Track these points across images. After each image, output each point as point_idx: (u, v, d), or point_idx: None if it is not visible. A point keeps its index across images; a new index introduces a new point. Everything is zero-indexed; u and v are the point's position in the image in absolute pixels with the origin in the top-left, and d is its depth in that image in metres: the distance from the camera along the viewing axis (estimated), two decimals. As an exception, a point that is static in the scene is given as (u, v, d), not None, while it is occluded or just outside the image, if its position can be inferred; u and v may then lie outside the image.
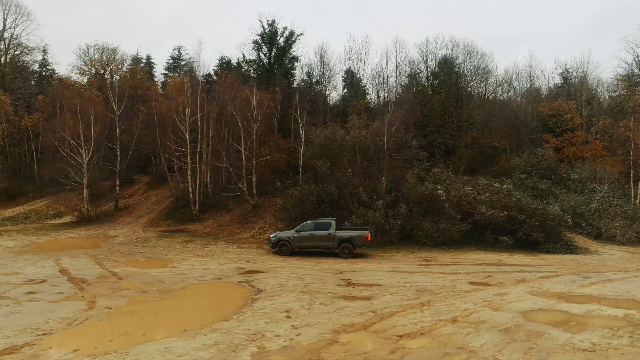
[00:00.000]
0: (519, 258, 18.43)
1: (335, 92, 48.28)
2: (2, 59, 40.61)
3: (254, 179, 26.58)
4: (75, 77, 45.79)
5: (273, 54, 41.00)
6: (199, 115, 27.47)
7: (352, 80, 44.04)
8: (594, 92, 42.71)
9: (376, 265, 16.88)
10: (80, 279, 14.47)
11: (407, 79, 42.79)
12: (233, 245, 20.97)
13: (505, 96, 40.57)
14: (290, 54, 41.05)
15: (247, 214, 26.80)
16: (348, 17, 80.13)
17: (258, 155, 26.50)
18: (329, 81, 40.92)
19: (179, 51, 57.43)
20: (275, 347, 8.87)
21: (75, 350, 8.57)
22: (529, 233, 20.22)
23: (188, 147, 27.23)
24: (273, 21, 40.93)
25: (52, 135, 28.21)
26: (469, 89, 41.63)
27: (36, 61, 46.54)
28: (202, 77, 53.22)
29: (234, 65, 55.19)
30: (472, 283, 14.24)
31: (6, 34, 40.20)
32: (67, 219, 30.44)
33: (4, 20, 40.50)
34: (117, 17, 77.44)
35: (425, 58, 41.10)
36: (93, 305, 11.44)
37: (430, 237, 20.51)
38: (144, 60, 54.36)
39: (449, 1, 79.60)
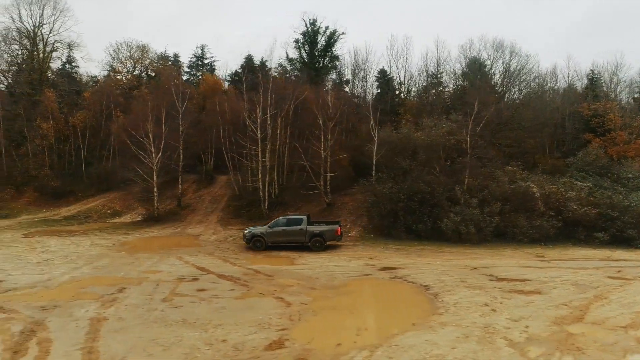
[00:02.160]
0: (624, 254, 18.99)
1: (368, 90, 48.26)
2: (41, 55, 39.50)
3: (328, 177, 26.62)
4: (104, 74, 45.01)
5: (315, 52, 41.05)
6: (268, 114, 27.35)
7: (385, 79, 44.34)
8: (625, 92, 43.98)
9: (499, 261, 17.19)
10: (229, 276, 14.41)
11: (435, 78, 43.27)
12: (336, 243, 21.06)
13: (546, 97, 41.33)
14: (332, 52, 41.17)
15: (321, 212, 26.81)
16: (380, 18, 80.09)
17: (333, 154, 26.55)
18: (364, 80, 41.02)
19: (202, 50, 56.77)
20: (521, 339, 9.12)
21: (338, 345, 8.67)
22: (623, 229, 20.82)
23: (259, 145, 27.11)
24: (314, 20, 41.02)
25: (124, 134, 27.66)
26: (503, 88, 42.33)
27: (58, 57, 45.32)
28: (228, 75, 53.14)
29: (257, 65, 55.18)
30: (611, 277, 14.67)
31: (45, 29, 39.18)
32: (127, 217, 29.99)
33: (40, 16, 39.46)
34: (111, 16, 76.17)
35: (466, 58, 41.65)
36: (288, 302, 11.46)
37: (527, 234, 20.93)
38: (171, 58, 53.69)
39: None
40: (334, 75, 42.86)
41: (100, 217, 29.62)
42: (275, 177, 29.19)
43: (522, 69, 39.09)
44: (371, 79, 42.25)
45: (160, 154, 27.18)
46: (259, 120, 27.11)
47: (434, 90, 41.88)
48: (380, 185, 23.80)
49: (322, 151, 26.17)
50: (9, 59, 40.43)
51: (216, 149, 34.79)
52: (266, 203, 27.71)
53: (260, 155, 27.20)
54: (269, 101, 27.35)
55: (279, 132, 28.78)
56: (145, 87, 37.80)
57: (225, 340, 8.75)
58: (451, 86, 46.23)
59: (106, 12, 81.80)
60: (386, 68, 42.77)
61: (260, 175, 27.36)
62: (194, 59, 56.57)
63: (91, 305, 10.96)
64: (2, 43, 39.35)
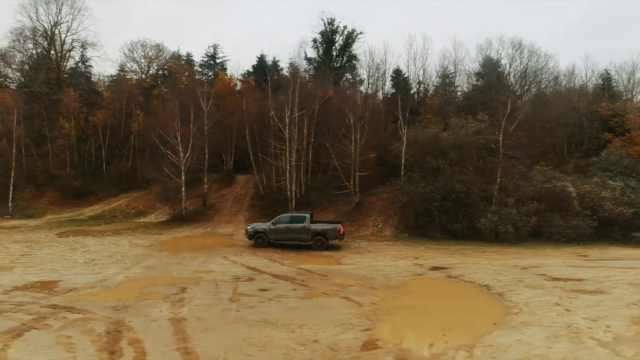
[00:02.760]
0: (665, 253, 19.05)
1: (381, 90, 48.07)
2: (58, 55, 39.31)
3: (357, 177, 26.57)
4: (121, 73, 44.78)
5: (332, 52, 41.00)
6: (296, 114, 27.30)
7: (400, 79, 44.29)
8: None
9: (545, 260, 17.14)
10: (284, 276, 14.33)
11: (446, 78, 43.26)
12: (373, 242, 21.04)
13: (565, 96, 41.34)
14: (350, 52, 41.12)
15: (350, 211, 26.75)
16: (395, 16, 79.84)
17: (362, 153, 26.49)
18: (381, 80, 40.96)
19: (214, 49, 56.50)
20: (608, 339, 9.09)
21: (431, 345, 8.62)
22: (661, 229, 20.91)
23: (287, 145, 27.05)
24: (332, 20, 40.98)
25: (152, 134, 27.54)
26: (520, 88, 42.31)
27: (72, 57, 44.97)
28: (241, 74, 52.96)
29: (271, 64, 54.96)
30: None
31: (62, 28, 38.99)
32: (152, 217, 29.87)
33: (57, 15, 39.28)
34: (110, 17, 75.84)
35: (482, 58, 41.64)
36: (359, 302, 11.40)
37: (563, 234, 20.93)
38: (184, 58, 53.51)
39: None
40: (348, 75, 42.89)
41: (125, 217, 29.51)
42: (302, 177, 29.14)
43: (542, 68, 39.11)
44: (383, 78, 42.25)
45: (188, 153, 27.06)
46: (287, 119, 27.04)
47: (450, 89, 41.96)
48: (413, 185, 23.77)
49: (352, 151, 26.08)
50: (22, 58, 40.23)
51: (235, 148, 34.81)
52: (293, 202, 27.63)
53: (288, 155, 27.13)
54: (296, 100, 27.33)
55: (305, 131, 28.73)
56: (165, 86, 37.59)
57: (317, 341, 8.67)
58: (465, 86, 46.34)
59: (105, 12, 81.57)
60: (404, 67, 42.84)
61: (288, 175, 27.29)
62: (205, 58, 56.43)
63: (162, 306, 10.86)
64: (16, 42, 39.19)
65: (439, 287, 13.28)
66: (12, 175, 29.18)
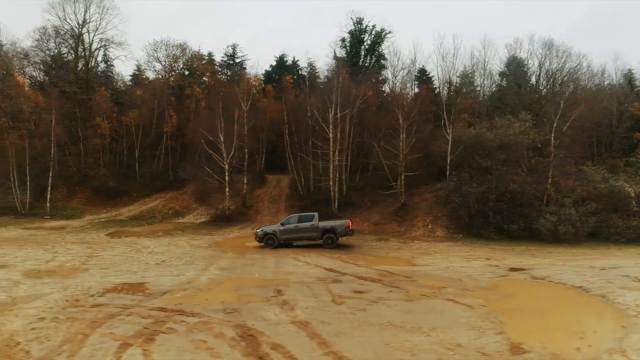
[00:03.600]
0: None
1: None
2: (87, 54, 39.01)
3: (402, 177, 26.37)
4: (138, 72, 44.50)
5: (360, 52, 40.80)
6: (338, 113, 27.09)
7: (425, 78, 44.14)
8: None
9: (619, 261, 16.92)
10: (369, 277, 14.09)
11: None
12: (433, 243, 20.84)
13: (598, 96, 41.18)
14: (379, 51, 40.91)
15: (395, 212, 26.57)
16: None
17: (408, 153, 26.32)
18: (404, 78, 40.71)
19: (233, 49, 56.22)
20: None
21: (577, 349, 8.40)
22: None
23: (331, 145, 26.85)
24: (360, 19, 40.78)
25: (198, 134, 27.30)
26: (549, 87, 42.12)
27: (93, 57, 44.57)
28: (263, 74, 52.78)
29: (290, 64, 54.95)
30: None
31: (90, 27, 38.68)
32: (190, 218, 29.68)
33: (85, 13, 38.96)
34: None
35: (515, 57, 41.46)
36: (468, 305, 11.19)
37: (623, 234, 20.77)
38: (205, 57, 53.25)
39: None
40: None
41: (164, 218, 29.29)
42: (344, 177, 28.95)
43: (576, 67, 38.91)
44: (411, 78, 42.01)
45: (232, 153, 26.84)
46: (331, 119, 26.83)
47: (476, 89, 41.82)
48: (464, 185, 23.57)
49: (400, 151, 25.86)
50: (46, 58, 39.77)
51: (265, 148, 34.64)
52: (336, 203, 27.44)
53: (332, 154, 26.92)
54: (339, 100, 27.12)
55: (347, 131, 28.53)
56: (197, 85, 37.32)
57: (461, 345, 8.43)
58: (492, 85, 46.22)
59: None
60: (432, 67, 42.66)
61: (331, 175, 27.09)
62: (225, 58, 56.16)
63: (271, 308, 10.63)
64: (39, 41, 38.74)
65: (533, 289, 13.05)
66: (50, 175, 28.86)
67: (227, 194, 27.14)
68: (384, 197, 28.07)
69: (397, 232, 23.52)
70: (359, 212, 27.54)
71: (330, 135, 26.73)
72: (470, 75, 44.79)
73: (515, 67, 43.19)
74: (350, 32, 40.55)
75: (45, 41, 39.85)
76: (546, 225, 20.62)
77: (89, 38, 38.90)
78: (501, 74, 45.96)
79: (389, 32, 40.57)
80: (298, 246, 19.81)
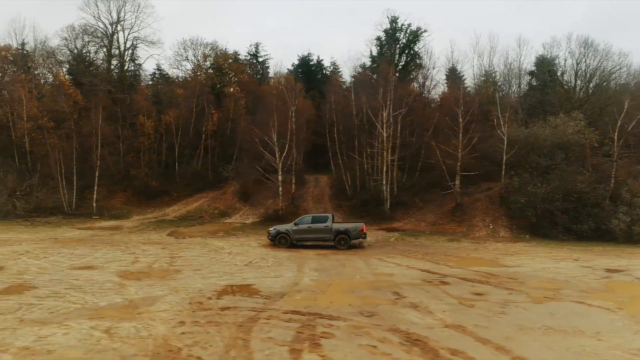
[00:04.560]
0: None
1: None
2: (121, 52, 38.66)
3: (458, 177, 26.03)
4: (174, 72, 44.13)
5: (396, 51, 40.48)
6: (391, 112, 26.78)
7: (455, 77, 43.80)
8: None
9: None
10: (475, 279, 13.77)
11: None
12: (506, 244, 20.54)
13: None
14: (414, 50, 40.57)
15: (450, 212, 26.20)
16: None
17: (467, 152, 25.98)
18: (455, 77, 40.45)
19: (256, 48, 55.84)
20: None
21: None
22: None
23: (384, 144, 26.53)
24: (395, 18, 40.42)
25: (250, 133, 27.00)
26: (585, 86, 41.74)
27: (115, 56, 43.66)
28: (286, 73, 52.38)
29: (315, 63, 54.62)
30: None
31: (125, 26, 38.34)
32: (236, 218, 29.36)
33: (118, 12, 38.63)
34: None
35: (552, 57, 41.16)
36: (605, 308, 10.87)
37: (698, 235, 20.48)
38: (232, 56, 52.87)
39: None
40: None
41: (212, 218, 28.96)
42: (395, 176, 28.64)
43: (617, 66, 38.57)
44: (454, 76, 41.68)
45: (285, 152, 26.52)
46: (384, 118, 26.51)
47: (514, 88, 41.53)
48: (527, 185, 23.26)
49: (459, 150, 25.52)
50: (70, 56, 39.26)
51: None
52: (388, 203, 27.11)
53: (385, 154, 26.60)
54: (391, 99, 26.81)
55: (399, 130, 28.22)
56: (236, 84, 36.97)
57: (643, 350, 8.13)
58: (519, 84, 45.90)
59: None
60: (468, 66, 42.40)
61: (384, 175, 26.77)
62: (248, 57, 55.80)
63: (407, 311, 10.31)
64: (66, 40, 38.25)
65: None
66: (97, 175, 28.53)
67: (281, 193, 26.77)
68: (435, 197, 27.77)
69: (460, 233, 23.19)
70: (411, 212, 27.22)
71: (384, 134, 26.40)
72: (493, 75, 44.55)
73: (545, 67, 42.91)
74: (385, 31, 40.20)
75: (73, 40, 39.51)
76: (619, 225, 20.32)
77: (124, 36, 38.56)
78: (531, 73, 45.66)
79: (425, 31, 40.22)
80: (310, 246, 19.67)
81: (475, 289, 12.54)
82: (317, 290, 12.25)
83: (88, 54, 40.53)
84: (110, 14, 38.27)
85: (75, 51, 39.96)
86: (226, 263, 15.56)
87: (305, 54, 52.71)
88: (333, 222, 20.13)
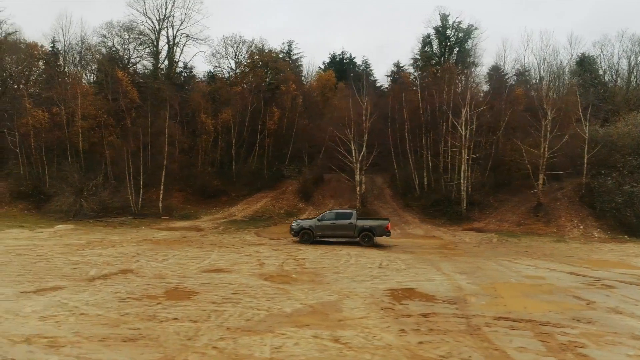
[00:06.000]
0: None
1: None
2: (170, 46, 37.88)
3: (541, 176, 25.49)
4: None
5: (445, 48, 39.98)
6: (468, 112, 26.22)
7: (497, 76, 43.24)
8: None
9: None
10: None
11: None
12: (617, 244, 20.04)
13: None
14: (465, 48, 40.03)
15: (531, 211, 25.66)
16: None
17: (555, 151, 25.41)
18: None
19: (289, 45, 55.12)
20: None
21: None
22: None
23: (463, 143, 25.99)
24: (446, 15, 39.88)
25: (333, 133, 26.40)
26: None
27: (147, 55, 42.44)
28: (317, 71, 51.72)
29: (347, 61, 54.08)
30: None
31: (174, 22, 37.58)
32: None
33: (167, 8, 37.88)
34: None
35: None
36: None
37: None
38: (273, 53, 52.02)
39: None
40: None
41: (280, 218, 28.38)
42: (469, 175, 28.11)
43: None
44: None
45: (363, 150, 25.93)
46: (463, 117, 25.97)
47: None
48: (623, 184, 22.76)
49: (540, 149, 25.00)
50: (106, 53, 38.40)
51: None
52: (465, 203, 26.58)
53: (464, 153, 26.06)
54: (471, 97, 26.26)
55: (473, 129, 27.67)
56: (293, 83, 36.33)
57: None
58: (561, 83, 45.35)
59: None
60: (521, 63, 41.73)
61: (463, 174, 26.24)
62: (281, 55, 55.12)
63: (624, 318, 9.79)
64: (104, 37, 37.43)
65: None
66: (163, 174, 27.88)
67: (359, 193, 26.17)
68: (509, 197, 27.27)
69: (551, 233, 22.70)
70: (487, 211, 26.71)
71: (463, 133, 25.86)
72: (527, 74, 44.09)
73: (588, 65, 42.59)
74: (436, 29, 39.66)
75: (111, 37, 38.64)
76: None
77: (173, 32, 37.80)
78: (573, 72, 45.25)
79: (476, 28, 39.69)
80: (333, 242, 19.64)
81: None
82: (488, 294, 11.68)
83: (128, 51, 39.72)
84: (158, 10, 37.51)
85: (114, 48, 39.22)
86: (359, 265, 14.98)
87: (338, 52, 52.24)
88: (357, 218, 19.90)
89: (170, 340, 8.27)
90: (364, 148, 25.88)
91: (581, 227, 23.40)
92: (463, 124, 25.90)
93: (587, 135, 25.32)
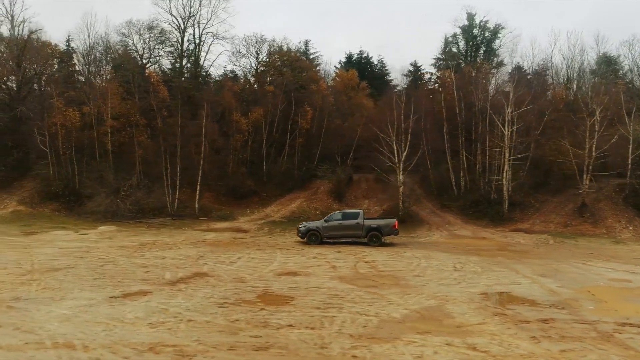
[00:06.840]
0: None
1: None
2: (197, 44, 37.33)
3: (587, 176, 25.19)
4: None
5: (472, 48, 39.71)
6: (513, 111, 25.93)
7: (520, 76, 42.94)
8: None
9: None
10: None
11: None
12: None
13: None
14: (492, 47, 39.76)
15: (575, 212, 25.25)
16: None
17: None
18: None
19: (306, 45, 54.59)
20: None
21: None
22: None
23: (506, 142, 25.68)
24: (472, 14, 39.58)
25: (372, 131, 26.07)
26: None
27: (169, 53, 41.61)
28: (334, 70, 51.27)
29: (364, 60, 53.75)
30: None
31: (199, 20, 37.01)
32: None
33: (191, 6, 37.29)
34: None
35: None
36: None
37: None
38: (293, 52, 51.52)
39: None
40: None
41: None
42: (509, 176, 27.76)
43: None
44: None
45: (406, 150, 25.60)
46: (507, 116, 25.66)
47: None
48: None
49: (585, 149, 24.69)
50: (125, 52, 37.83)
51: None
52: (506, 204, 26.27)
53: (507, 153, 25.76)
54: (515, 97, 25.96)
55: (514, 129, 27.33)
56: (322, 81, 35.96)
57: None
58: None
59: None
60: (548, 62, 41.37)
61: (505, 174, 25.94)
62: (298, 54, 54.63)
63: None
64: (123, 35, 36.85)
65: None
66: (200, 174, 27.48)
67: (401, 194, 25.82)
68: (549, 197, 27.00)
69: (600, 234, 22.43)
70: (528, 212, 26.39)
71: (506, 132, 25.56)
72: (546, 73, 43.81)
73: (608, 66, 42.44)
74: (462, 28, 39.37)
75: (131, 36, 37.99)
76: None
77: (199, 31, 37.26)
78: (593, 72, 45.02)
79: (503, 28, 39.38)
80: (341, 243, 19.37)
81: None
82: (588, 298, 11.38)
83: (149, 50, 39.16)
84: (184, 8, 36.97)
85: (134, 47, 38.68)
86: (434, 268, 14.68)
87: (356, 52, 51.87)
88: (364, 218, 19.66)
89: (302, 349, 7.95)
90: (407, 148, 25.40)
91: (630, 228, 23.13)
92: (507, 123, 25.58)
93: (631, 134, 25.06)
